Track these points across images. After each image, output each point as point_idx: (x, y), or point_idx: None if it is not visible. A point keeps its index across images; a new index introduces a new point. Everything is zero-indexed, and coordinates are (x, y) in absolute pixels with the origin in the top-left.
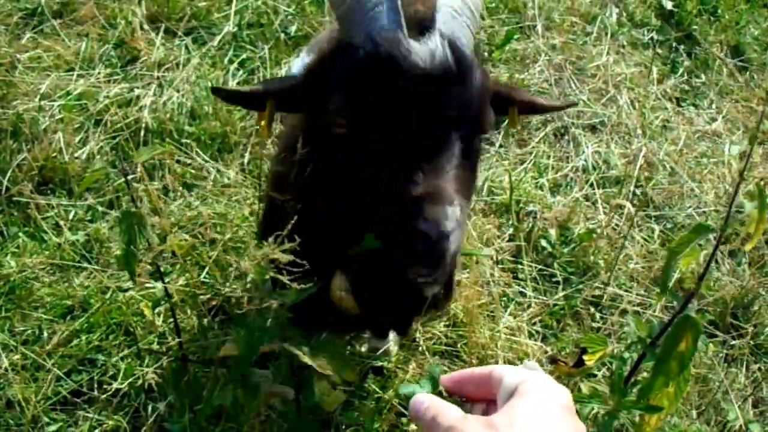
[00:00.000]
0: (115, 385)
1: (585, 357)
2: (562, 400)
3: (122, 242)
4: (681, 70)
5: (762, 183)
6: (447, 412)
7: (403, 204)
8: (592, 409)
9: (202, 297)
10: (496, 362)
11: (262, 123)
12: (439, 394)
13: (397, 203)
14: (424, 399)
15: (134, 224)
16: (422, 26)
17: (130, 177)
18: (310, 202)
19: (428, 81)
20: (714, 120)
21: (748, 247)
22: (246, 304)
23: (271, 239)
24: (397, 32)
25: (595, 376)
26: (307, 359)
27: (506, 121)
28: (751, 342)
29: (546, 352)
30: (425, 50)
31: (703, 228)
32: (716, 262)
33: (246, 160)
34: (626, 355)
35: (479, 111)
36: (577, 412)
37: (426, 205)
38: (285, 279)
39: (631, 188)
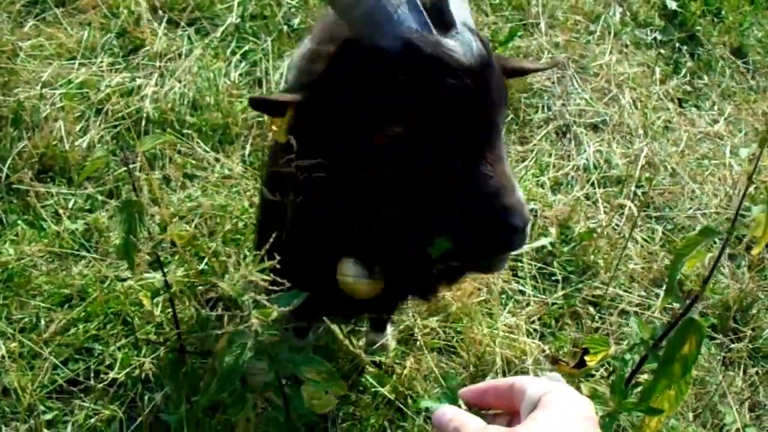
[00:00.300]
0: (111, 375)
1: (587, 358)
2: (585, 412)
3: (122, 231)
4: (684, 70)
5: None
6: (470, 423)
7: (481, 197)
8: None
9: (200, 288)
10: (494, 360)
11: (276, 128)
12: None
13: (473, 197)
14: (447, 411)
15: (134, 213)
16: (437, 17)
17: (131, 166)
18: (323, 200)
19: (473, 75)
20: (716, 122)
21: (755, 251)
22: (225, 324)
23: (249, 258)
24: (432, 33)
25: (593, 376)
26: (296, 371)
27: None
28: (750, 345)
29: (543, 350)
30: (462, 46)
31: (710, 231)
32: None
33: (247, 152)
34: (627, 356)
35: (505, 89)
36: None
37: (505, 196)
38: (263, 299)
39: (632, 188)
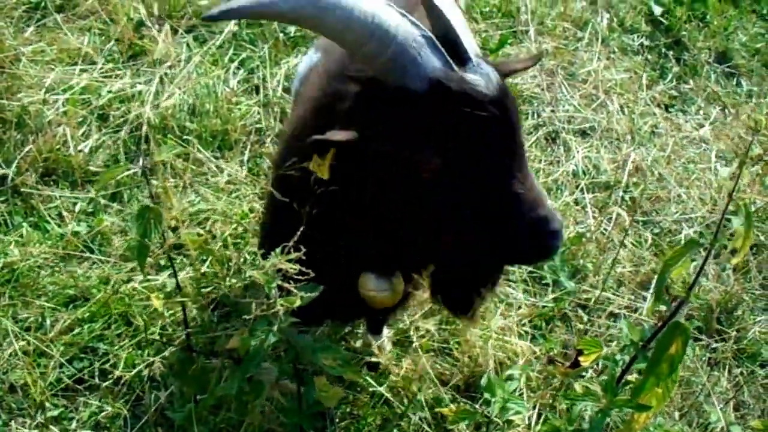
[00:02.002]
0: (117, 373)
1: (581, 358)
2: None
3: (137, 235)
4: (670, 75)
5: (749, 202)
6: None
7: (520, 213)
8: (585, 407)
9: (204, 290)
10: (487, 361)
11: (321, 167)
12: None
13: (513, 213)
14: None
15: (151, 219)
16: (455, 51)
17: (146, 169)
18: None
19: (496, 104)
20: (701, 126)
21: (734, 261)
22: (253, 309)
23: (278, 249)
24: (454, 71)
25: (583, 376)
26: (314, 358)
27: None
28: (734, 346)
29: (534, 352)
30: (484, 78)
31: (694, 243)
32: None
33: (246, 158)
34: (618, 357)
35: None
36: (568, 410)
37: (540, 207)
38: (291, 287)
39: (621, 194)
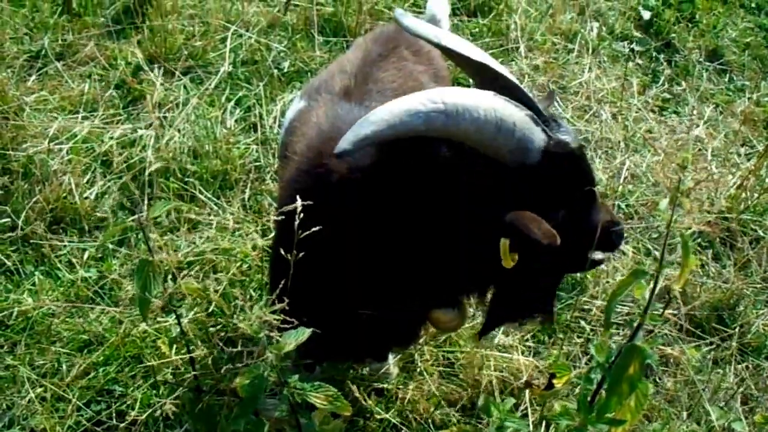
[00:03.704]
0: (133, 414)
1: (554, 381)
2: None
3: (138, 288)
4: (662, 78)
5: (687, 232)
6: None
7: (599, 226)
8: (567, 425)
9: (212, 330)
10: (490, 381)
11: (509, 255)
12: None
13: (594, 228)
14: None
15: (150, 273)
16: (539, 116)
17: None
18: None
19: (582, 152)
20: (696, 125)
21: (675, 287)
22: (245, 358)
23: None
24: (554, 140)
25: (568, 396)
26: (307, 396)
27: None
28: (738, 342)
29: (537, 366)
30: (571, 137)
31: (640, 272)
32: (702, 267)
33: (247, 196)
34: (592, 375)
35: None
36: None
37: (611, 218)
38: (276, 335)
39: (616, 202)
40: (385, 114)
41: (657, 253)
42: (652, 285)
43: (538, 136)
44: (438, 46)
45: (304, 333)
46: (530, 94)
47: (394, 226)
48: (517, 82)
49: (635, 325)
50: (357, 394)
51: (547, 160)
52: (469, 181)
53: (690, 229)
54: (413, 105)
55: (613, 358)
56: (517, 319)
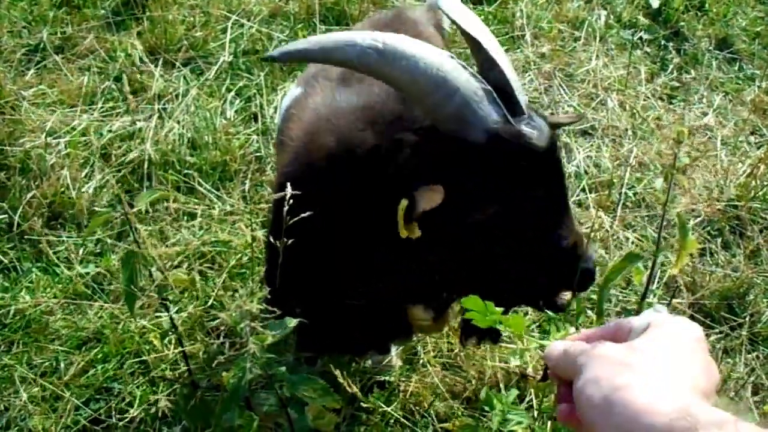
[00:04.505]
0: (132, 412)
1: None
2: (696, 334)
3: (124, 281)
4: (671, 67)
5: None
6: (577, 344)
7: (564, 254)
8: None
9: (209, 324)
10: (494, 372)
11: (410, 227)
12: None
13: (557, 255)
14: (556, 343)
15: (136, 263)
16: (509, 103)
17: (132, 214)
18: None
19: (548, 155)
20: (705, 114)
21: (673, 270)
22: (228, 347)
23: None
24: (511, 124)
25: None
26: (293, 389)
27: None
28: (748, 332)
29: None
30: (538, 132)
31: (634, 257)
32: (711, 255)
33: (247, 187)
34: None
35: None
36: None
37: (580, 248)
38: (258, 326)
39: (623, 190)
40: (324, 39)
41: (665, 242)
42: (650, 270)
43: (486, 114)
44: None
45: (291, 323)
46: (515, 84)
47: (364, 210)
48: (505, 67)
49: (633, 313)
50: (349, 388)
51: (493, 143)
52: (410, 154)
53: (693, 212)
54: (353, 37)
55: None
56: (478, 332)
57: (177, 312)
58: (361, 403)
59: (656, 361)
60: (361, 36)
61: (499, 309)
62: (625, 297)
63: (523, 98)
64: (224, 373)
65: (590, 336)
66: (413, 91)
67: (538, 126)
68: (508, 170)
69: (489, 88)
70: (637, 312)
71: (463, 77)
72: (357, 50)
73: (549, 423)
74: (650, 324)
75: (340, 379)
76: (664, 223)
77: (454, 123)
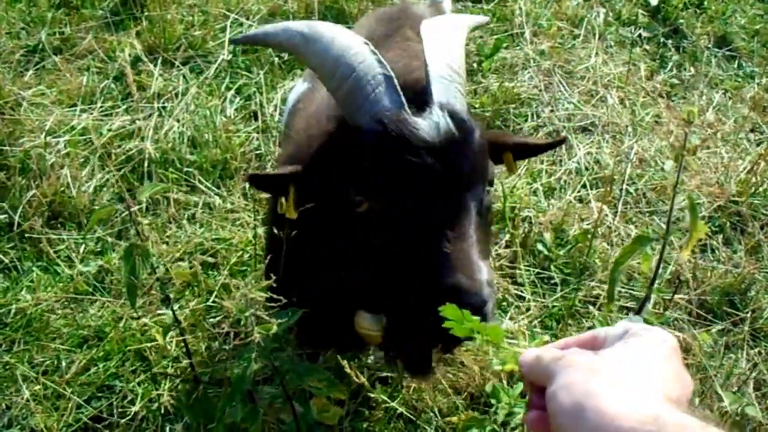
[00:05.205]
0: (133, 409)
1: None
2: (671, 343)
3: (125, 273)
4: (670, 64)
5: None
6: (550, 350)
7: (434, 273)
8: None
9: (212, 320)
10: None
11: (287, 205)
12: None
13: (428, 272)
14: (530, 350)
15: (138, 257)
16: (420, 98)
17: (133, 211)
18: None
19: (437, 152)
20: (705, 111)
21: (684, 253)
22: (232, 339)
23: (249, 278)
24: (401, 112)
25: None
26: (300, 381)
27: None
28: (750, 327)
29: None
30: (430, 124)
31: (644, 239)
32: (712, 251)
33: (247, 185)
34: None
35: (484, 168)
36: None
37: (455, 275)
38: (264, 314)
39: (624, 186)
40: (270, 26)
41: (670, 239)
42: (659, 254)
43: (378, 100)
44: None
45: (296, 313)
46: (434, 76)
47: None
48: (432, 57)
49: (642, 298)
50: (356, 379)
51: (378, 130)
52: (322, 141)
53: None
54: (289, 24)
55: None
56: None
57: (179, 309)
58: (366, 396)
59: (627, 369)
60: (297, 23)
61: (476, 317)
62: (627, 292)
63: (444, 93)
64: (228, 365)
65: (566, 344)
66: (323, 73)
67: (434, 119)
68: (392, 161)
69: (391, 74)
70: (643, 302)
71: (364, 61)
72: (287, 34)
73: None
74: (627, 333)
75: (347, 370)
76: (665, 220)
77: (348, 107)
